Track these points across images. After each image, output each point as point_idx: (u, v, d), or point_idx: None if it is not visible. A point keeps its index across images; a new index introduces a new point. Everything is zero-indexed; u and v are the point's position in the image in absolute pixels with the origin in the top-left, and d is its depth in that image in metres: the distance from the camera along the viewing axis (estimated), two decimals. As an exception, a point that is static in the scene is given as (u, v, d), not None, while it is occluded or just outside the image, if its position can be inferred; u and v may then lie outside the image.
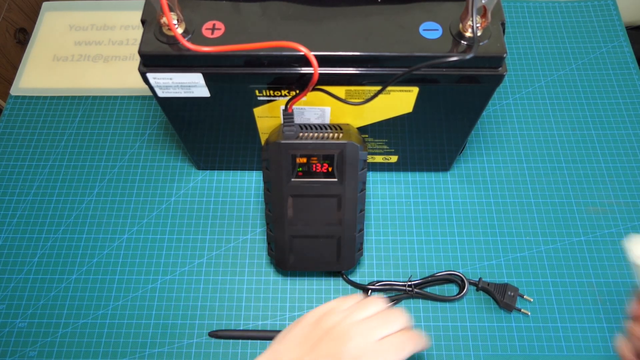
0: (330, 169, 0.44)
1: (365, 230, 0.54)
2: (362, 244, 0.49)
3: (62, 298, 0.51)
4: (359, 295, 0.39)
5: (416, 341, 0.36)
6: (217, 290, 0.51)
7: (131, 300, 0.50)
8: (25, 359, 0.48)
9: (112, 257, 0.53)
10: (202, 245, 0.53)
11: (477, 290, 0.50)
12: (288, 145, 0.43)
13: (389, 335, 0.36)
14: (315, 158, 0.44)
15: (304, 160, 0.44)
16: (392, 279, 0.51)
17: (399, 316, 0.37)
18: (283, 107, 0.44)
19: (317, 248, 0.47)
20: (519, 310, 0.49)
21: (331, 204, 0.45)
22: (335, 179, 0.44)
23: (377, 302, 0.38)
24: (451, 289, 0.51)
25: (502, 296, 0.48)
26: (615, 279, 0.51)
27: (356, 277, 0.51)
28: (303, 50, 0.36)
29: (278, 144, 0.43)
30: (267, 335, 0.48)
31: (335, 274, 0.51)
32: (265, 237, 0.53)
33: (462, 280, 0.50)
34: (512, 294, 0.49)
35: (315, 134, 0.44)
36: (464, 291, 0.49)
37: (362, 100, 0.42)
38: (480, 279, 0.50)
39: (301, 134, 0.44)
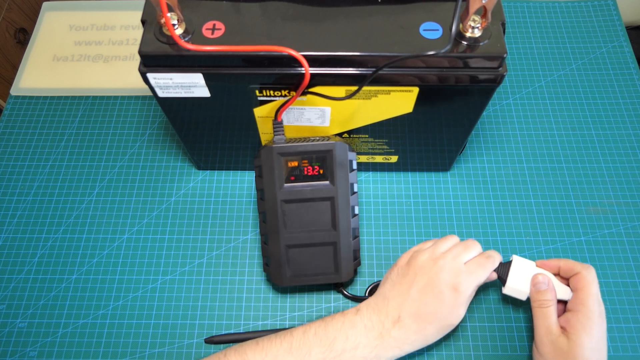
0: (321, 171, 0.45)
1: (365, 230, 0.54)
2: (358, 251, 0.48)
3: (62, 298, 0.51)
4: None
5: (493, 260, 0.43)
6: (217, 290, 0.51)
7: (131, 300, 0.50)
8: (26, 359, 0.48)
9: (112, 257, 0.53)
10: (202, 245, 0.53)
11: None
12: (279, 149, 0.44)
13: (472, 259, 0.42)
14: (306, 161, 0.45)
15: (295, 163, 0.45)
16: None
17: (474, 244, 0.44)
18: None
19: (313, 258, 0.47)
20: None
21: (325, 207, 0.45)
22: (327, 181, 0.45)
23: (453, 237, 0.45)
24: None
25: (505, 276, 0.45)
26: (615, 279, 0.51)
27: (356, 277, 0.51)
28: (293, 53, 0.36)
29: (269, 148, 0.44)
30: (262, 336, 0.47)
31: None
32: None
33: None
34: None
35: (304, 141, 0.45)
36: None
37: (347, 94, 0.42)
38: None
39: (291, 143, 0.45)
